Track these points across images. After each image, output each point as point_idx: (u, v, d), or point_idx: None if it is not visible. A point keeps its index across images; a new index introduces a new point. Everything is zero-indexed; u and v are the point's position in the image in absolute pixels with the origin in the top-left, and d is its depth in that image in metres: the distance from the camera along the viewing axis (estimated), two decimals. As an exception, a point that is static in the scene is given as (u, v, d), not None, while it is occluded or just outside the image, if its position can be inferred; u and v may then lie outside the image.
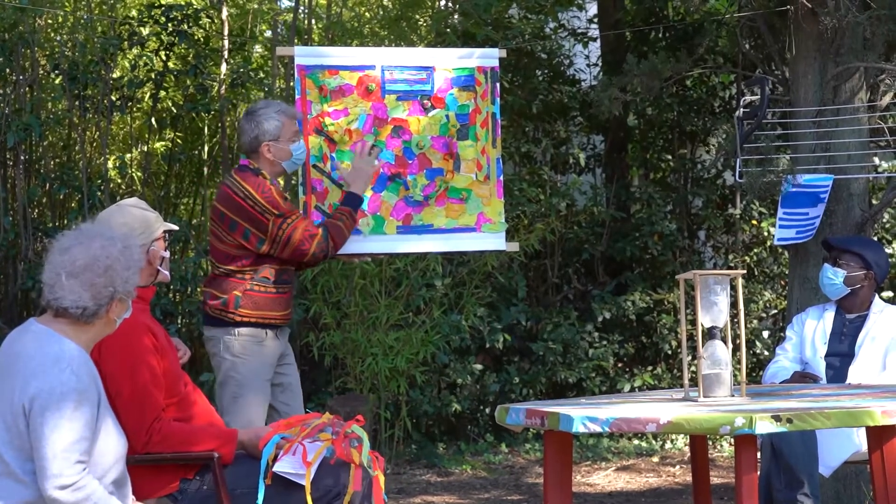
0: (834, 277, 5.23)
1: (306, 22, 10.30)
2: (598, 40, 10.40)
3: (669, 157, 10.22)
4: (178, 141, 9.79)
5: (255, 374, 4.72)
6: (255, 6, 10.84)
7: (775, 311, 9.43)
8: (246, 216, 4.67)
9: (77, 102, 8.83)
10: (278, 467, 3.68)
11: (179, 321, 8.56)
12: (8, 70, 8.77)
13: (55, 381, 3.14)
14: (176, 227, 4.27)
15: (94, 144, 9.47)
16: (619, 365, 9.29)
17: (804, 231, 5.99)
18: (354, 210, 4.88)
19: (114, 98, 8.94)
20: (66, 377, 3.15)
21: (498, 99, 5.28)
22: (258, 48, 11.00)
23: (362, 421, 3.93)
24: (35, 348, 3.22)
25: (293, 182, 8.10)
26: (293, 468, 3.68)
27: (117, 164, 9.39)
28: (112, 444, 3.30)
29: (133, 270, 3.33)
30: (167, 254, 4.06)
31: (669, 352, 9.24)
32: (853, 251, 5.25)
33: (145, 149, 9.71)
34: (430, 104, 5.18)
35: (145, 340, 3.73)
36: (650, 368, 9.23)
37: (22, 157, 8.82)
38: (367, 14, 11.72)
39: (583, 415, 3.40)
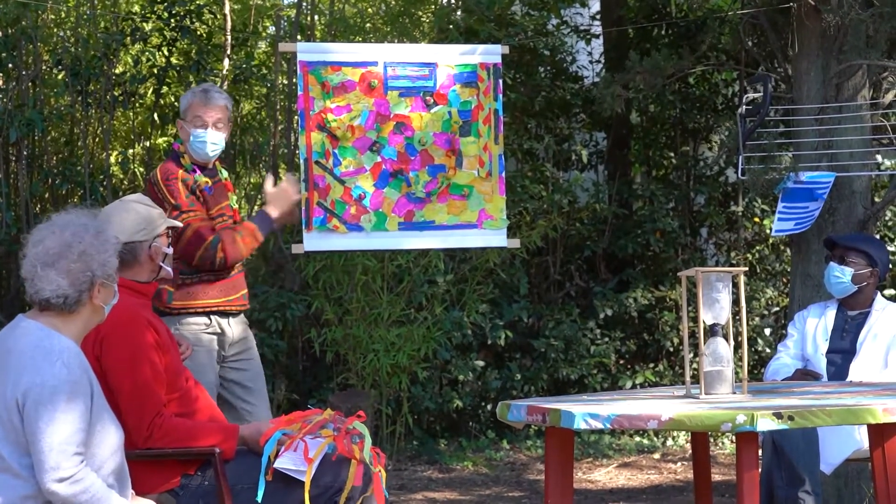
0: (841, 275, 5.21)
1: (309, 18, 10.30)
2: (601, 37, 10.39)
3: (672, 154, 10.22)
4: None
5: (197, 364, 4.55)
6: (259, 2, 10.83)
7: (777, 308, 9.43)
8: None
9: (79, 98, 8.83)
10: (279, 463, 3.68)
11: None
12: (10, 65, 8.77)
13: (46, 374, 3.15)
14: (179, 224, 4.27)
15: (97, 140, 9.47)
16: (621, 362, 9.29)
17: (802, 222, 5.99)
18: (260, 230, 4.75)
19: (116, 93, 8.95)
20: (58, 370, 3.16)
21: (500, 95, 5.28)
22: (261, 44, 11.00)
23: (363, 417, 3.93)
24: (24, 343, 3.22)
25: (295, 178, 8.08)
26: (294, 464, 3.68)
27: (119, 160, 9.40)
28: (108, 435, 3.30)
29: (110, 254, 3.33)
30: (170, 250, 4.05)
31: (671, 349, 9.24)
32: (859, 249, 5.23)
33: (147, 144, 9.72)
34: (432, 100, 5.18)
35: (147, 336, 3.73)
36: (652, 365, 9.23)
37: (24, 153, 8.82)
38: (369, 10, 11.71)
39: (584, 411, 3.40)
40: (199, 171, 4.75)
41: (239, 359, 4.81)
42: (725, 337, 3.90)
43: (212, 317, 4.70)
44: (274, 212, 4.84)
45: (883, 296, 5.37)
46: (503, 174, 5.24)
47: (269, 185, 4.95)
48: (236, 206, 4.94)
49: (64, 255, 3.25)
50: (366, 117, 5.09)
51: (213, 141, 4.73)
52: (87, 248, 3.27)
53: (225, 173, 4.96)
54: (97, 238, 3.31)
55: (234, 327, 4.80)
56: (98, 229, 3.35)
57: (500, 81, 5.29)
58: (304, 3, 10.11)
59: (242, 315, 4.89)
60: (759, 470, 3.82)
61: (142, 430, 3.63)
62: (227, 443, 3.75)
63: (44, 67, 9.15)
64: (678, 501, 6.87)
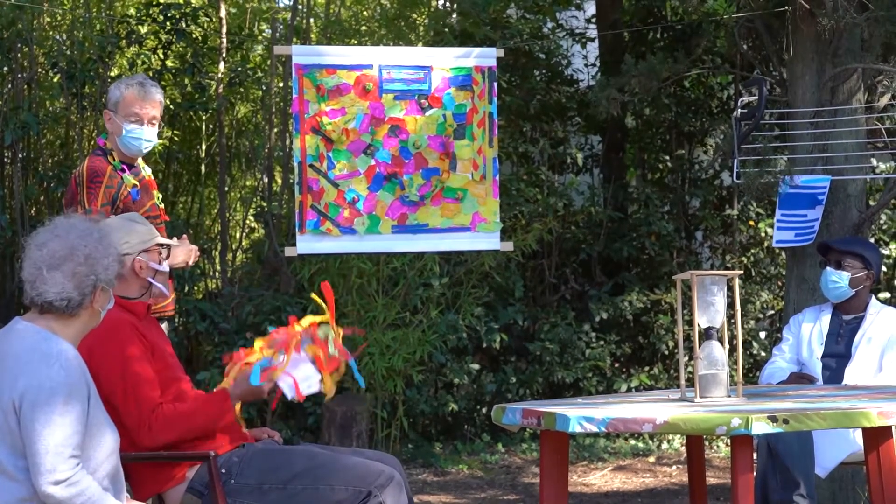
0: (839, 280, 5.19)
1: (304, 21, 10.30)
2: (596, 40, 10.40)
3: (667, 157, 10.23)
4: (176, 139, 9.79)
5: None
6: (255, 5, 10.82)
7: (772, 311, 9.43)
8: (71, 198, 4.54)
9: (75, 100, 8.83)
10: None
11: (177, 320, 8.56)
12: (6, 68, 8.76)
13: (44, 376, 3.14)
14: (173, 243, 4.06)
15: (92, 143, 9.45)
16: (616, 365, 9.29)
17: (803, 233, 5.98)
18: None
19: (111, 96, 8.93)
20: (55, 372, 3.15)
21: (495, 98, 5.29)
22: (257, 47, 11.00)
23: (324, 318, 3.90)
24: (22, 346, 3.22)
25: (290, 181, 8.09)
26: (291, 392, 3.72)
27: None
28: (104, 438, 3.30)
29: (112, 259, 3.34)
30: (163, 267, 3.92)
31: (666, 352, 9.24)
32: (856, 252, 5.22)
33: (143, 147, 9.70)
34: (427, 103, 5.19)
35: (133, 343, 3.73)
36: (647, 369, 9.23)
37: (19, 155, 8.82)
38: (365, 13, 11.71)
39: (579, 415, 3.39)
40: (127, 171, 4.60)
41: None
42: (720, 340, 3.90)
43: None
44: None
45: (878, 299, 5.37)
46: (497, 177, 5.25)
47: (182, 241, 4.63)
48: (162, 205, 4.80)
49: (70, 258, 3.26)
50: (360, 120, 5.10)
51: (147, 138, 4.59)
52: (92, 252, 3.28)
53: (148, 170, 4.81)
54: (101, 243, 3.33)
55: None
56: (101, 234, 3.37)
57: (495, 84, 5.29)
58: (300, 7, 10.11)
59: (167, 322, 4.77)
60: (754, 473, 3.81)
61: (141, 425, 3.63)
62: (224, 413, 3.75)
63: (39, 70, 9.14)
64: (673, 505, 6.88)
